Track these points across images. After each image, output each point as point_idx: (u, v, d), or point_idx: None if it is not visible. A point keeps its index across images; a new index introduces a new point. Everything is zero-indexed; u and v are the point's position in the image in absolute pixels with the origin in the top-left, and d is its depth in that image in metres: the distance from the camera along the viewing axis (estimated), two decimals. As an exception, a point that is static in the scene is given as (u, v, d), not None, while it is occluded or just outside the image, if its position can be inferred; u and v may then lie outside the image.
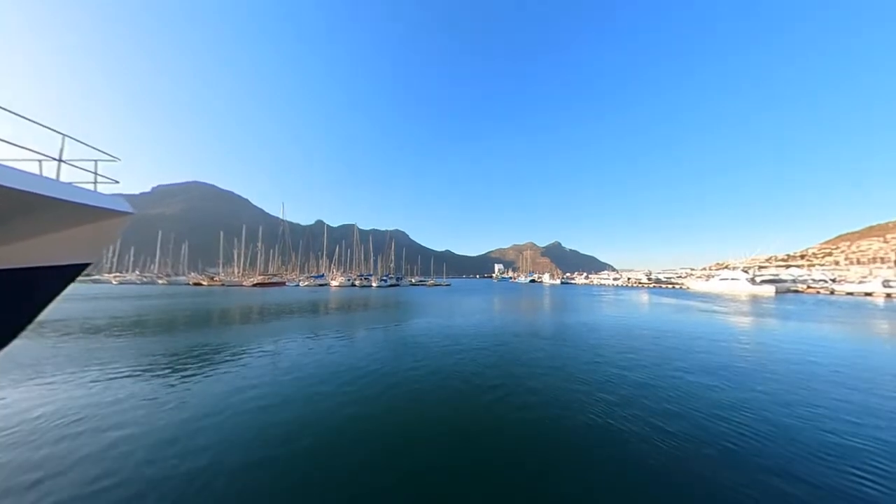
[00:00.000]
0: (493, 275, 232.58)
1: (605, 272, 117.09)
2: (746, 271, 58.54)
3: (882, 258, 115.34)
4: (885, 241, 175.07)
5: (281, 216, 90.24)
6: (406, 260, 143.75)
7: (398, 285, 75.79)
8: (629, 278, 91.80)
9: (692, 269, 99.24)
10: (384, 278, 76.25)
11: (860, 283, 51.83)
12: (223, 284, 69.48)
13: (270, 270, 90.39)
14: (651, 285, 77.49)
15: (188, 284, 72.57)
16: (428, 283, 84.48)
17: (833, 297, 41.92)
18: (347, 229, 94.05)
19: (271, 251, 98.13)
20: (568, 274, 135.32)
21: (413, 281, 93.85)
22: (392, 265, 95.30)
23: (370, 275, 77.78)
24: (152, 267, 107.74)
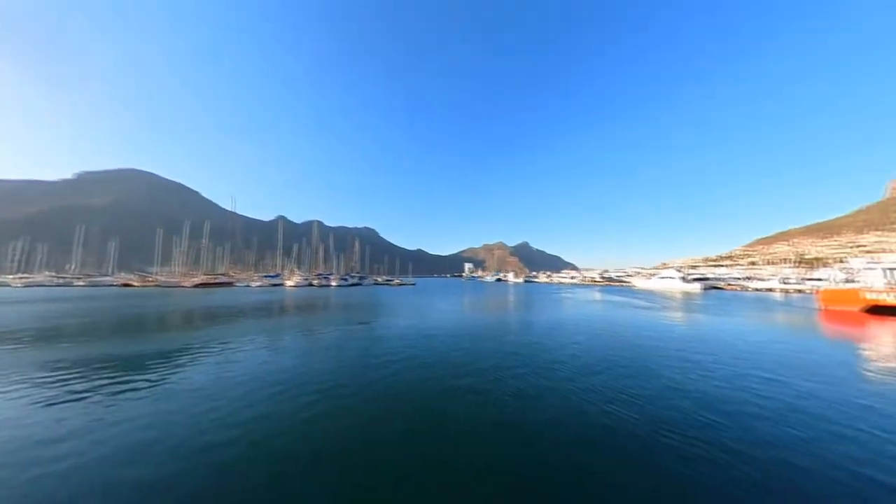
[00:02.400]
0: (463, 274, 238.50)
1: (565, 271, 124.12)
2: (680, 271, 65.58)
3: (786, 259, 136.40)
4: (790, 245, 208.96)
5: (232, 209, 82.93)
6: (373, 258, 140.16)
7: (360, 285, 73.35)
8: (585, 277, 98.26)
9: (640, 269, 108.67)
10: (345, 277, 73.26)
11: (766, 280, 60.51)
12: (158, 285, 61.95)
13: (221, 270, 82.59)
14: (603, 283, 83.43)
15: (114, 286, 63.65)
16: (393, 283, 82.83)
17: (745, 293, 48.42)
18: (312, 226, 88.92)
19: (220, 249, 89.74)
20: (533, 273, 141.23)
21: (379, 280, 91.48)
22: (355, 264, 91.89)
23: (329, 274, 74.26)
24: (69, 267, 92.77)
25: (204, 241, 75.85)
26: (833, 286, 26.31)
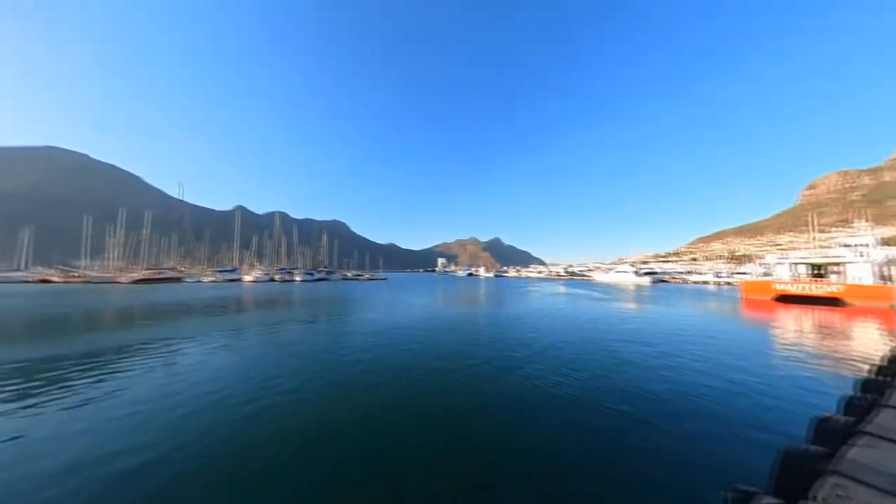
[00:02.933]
0: (436, 269, 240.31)
1: (533, 266, 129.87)
2: (633, 266, 71.63)
3: (721, 256, 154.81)
4: (724, 243, 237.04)
5: (179, 197, 74.95)
6: (343, 253, 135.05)
7: (327, 280, 70.50)
8: (551, 271, 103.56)
9: (600, 264, 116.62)
10: (310, 272, 69.91)
11: (703, 274, 68.10)
12: (88, 281, 54.42)
13: (169, 264, 74.41)
14: (567, 277, 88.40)
15: (29, 282, 54.74)
16: (363, 278, 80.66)
17: (686, 286, 54.13)
18: (274, 218, 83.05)
19: (165, 241, 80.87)
20: (504, 268, 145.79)
21: (349, 275, 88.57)
22: (322, 258, 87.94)
23: (293, 269, 70.33)
24: (-33, 259, 77.87)
25: (145, 231, 67.72)
26: (752, 279, 30.31)
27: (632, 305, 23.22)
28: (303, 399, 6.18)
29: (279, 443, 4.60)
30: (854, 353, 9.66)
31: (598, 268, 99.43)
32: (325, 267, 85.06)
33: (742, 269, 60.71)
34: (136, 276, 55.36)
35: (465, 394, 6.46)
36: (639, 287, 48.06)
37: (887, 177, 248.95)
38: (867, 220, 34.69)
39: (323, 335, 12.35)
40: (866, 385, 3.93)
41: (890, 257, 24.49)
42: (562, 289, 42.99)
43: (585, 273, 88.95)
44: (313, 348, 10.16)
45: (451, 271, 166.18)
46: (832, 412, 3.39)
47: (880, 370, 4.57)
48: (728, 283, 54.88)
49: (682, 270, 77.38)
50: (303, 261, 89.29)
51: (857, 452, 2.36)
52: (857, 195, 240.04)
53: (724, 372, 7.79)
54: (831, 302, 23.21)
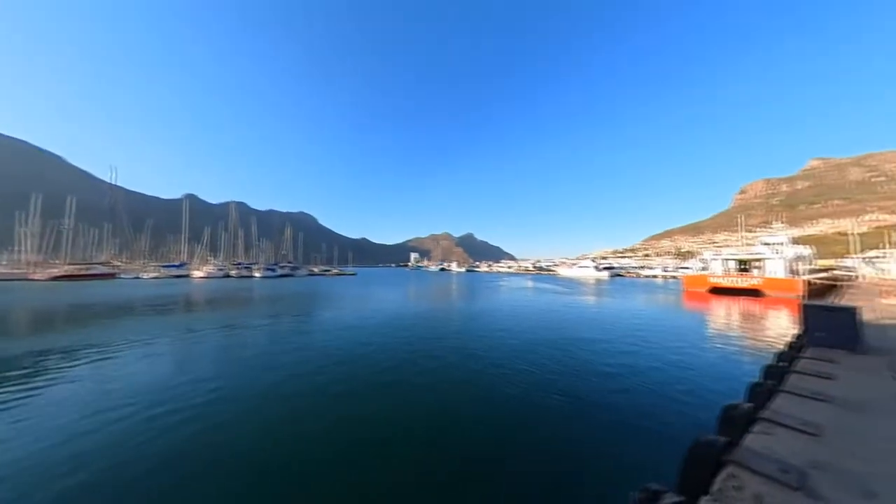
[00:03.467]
0: (409, 263, 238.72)
1: (504, 261, 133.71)
2: (594, 261, 76.54)
3: (669, 252, 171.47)
4: (672, 241, 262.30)
5: (111, 181, 65.75)
6: (310, 247, 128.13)
7: (292, 275, 66.60)
8: (520, 266, 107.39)
9: (565, 259, 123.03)
10: (272, 267, 65.47)
11: (654, 269, 74.75)
12: (-11, 278, 46.02)
13: (101, 258, 65.17)
14: (535, 272, 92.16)
15: None
16: (331, 273, 77.32)
17: (638, 279, 59.07)
18: (229, 208, 76.03)
19: (95, 231, 70.85)
20: (476, 263, 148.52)
21: (315, 270, 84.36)
22: (286, 252, 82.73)
23: (252, 264, 65.35)
24: None
25: (67, 220, 58.59)
26: (692, 273, 33.73)
27: (590, 299, 24.70)
28: (240, 409, 5.64)
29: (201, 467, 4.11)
30: (768, 339, 11.06)
31: (563, 263, 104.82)
32: (289, 262, 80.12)
33: (685, 265, 67.45)
34: (57, 272, 47.95)
35: (417, 388, 6.34)
36: (598, 281, 51.43)
37: (799, 185, 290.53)
38: (782, 223, 40.30)
39: (274, 335, 11.52)
40: (769, 371, 4.40)
41: (798, 254, 28.57)
42: (530, 283, 44.62)
43: (552, 268, 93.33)
44: (258, 350, 9.42)
45: (423, 266, 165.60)
46: (741, 399, 3.73)
47: (781, 356, 5.16)
48: (673, 277, 60.70)
49: (636, 265, 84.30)
50: (265, 255, 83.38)
51: (753, 440, 2.57)
52: (776, 200, 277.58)
53: (659, 362, 8.46)
54: (754, 293, 26.56)
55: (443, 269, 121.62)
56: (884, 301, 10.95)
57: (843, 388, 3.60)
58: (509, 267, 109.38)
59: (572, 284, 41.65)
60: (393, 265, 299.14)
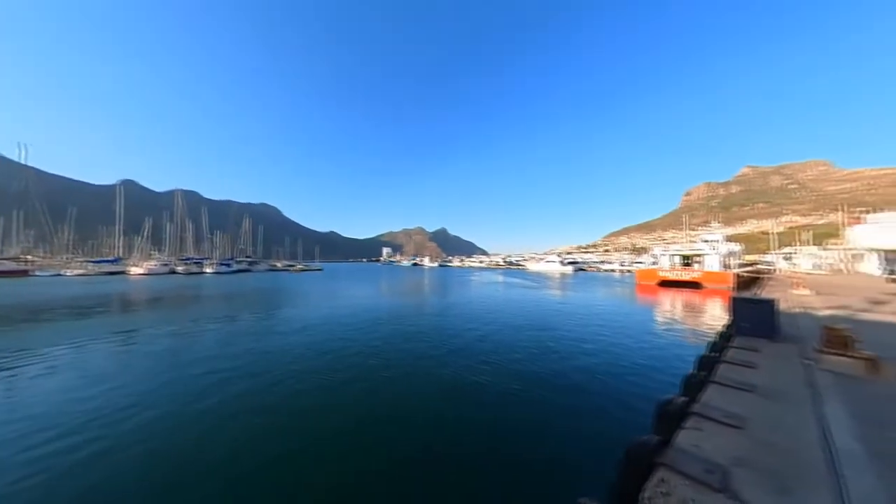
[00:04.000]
0: (381, 258, 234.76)
1: (476, 256, 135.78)
2: (560, 256, 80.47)
3: (626, 248, 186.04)
4: (628, 238, 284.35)
5: (20, 160, 55.77)
6: (274, 240, 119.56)
7: (250, 271, 61.84)
8: (492, 261, 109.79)
9: (534, 254, 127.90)
10: (227, 262, 60.21)
11: (612, 263, 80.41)
12: None
13: (10, 252, 55.14)
14: (505, 267, 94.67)
15: None
16: (295, 268, 72.98)
17: (599, 274, 63.13)
18: (175, 196, 67.87)
19: (1, 220, 59.82)
20: (449, 258, 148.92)
21: (278, 265, 79.16)
22: (244, 246, 76.47)
23: (203, 259, 59.47)
24: None
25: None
26: (644, 267, 36.62)
27: (554, 293, 25.75)
28: (168, 431, 4.85)
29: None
30: (706, 329, 12.14)
31: (532, 258, 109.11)
32: (247, 256, 74.23)
33: (639, 260, 73.35)
34: (-55, 268, 39.84)
35: (375, 385, 5.96)
36: (563, 275, 54.10)
37: (734, 189, 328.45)
38: (719, 222, 45.22)
39: (220, 338, 10.39)
40: (702, 362, 4.64)
41: (730, 251, 32.17)
42: (500, 278, 45.61)
43: (521, 262, 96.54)
44: (193, 356, 8.38)
45: (395, 261, 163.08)
46: (677, 392, 3.86)
47: (713, 346, 5.52)
48: (629, 271, 65.72)
49: (597, 261, 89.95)
50: (220, 250, 76.41)
51: (684, 438, 2.57)
52: (715, 202, 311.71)
53: (611, 355, 8.88)
54: (695, 285, 29.45)
55: (415, 264, 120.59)
56: (794, 292, 12.51)
57: (763, 377, 3.85)
58: (481, 262, 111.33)
59: (539, 279, 43.29)
60: (364, 260, 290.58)
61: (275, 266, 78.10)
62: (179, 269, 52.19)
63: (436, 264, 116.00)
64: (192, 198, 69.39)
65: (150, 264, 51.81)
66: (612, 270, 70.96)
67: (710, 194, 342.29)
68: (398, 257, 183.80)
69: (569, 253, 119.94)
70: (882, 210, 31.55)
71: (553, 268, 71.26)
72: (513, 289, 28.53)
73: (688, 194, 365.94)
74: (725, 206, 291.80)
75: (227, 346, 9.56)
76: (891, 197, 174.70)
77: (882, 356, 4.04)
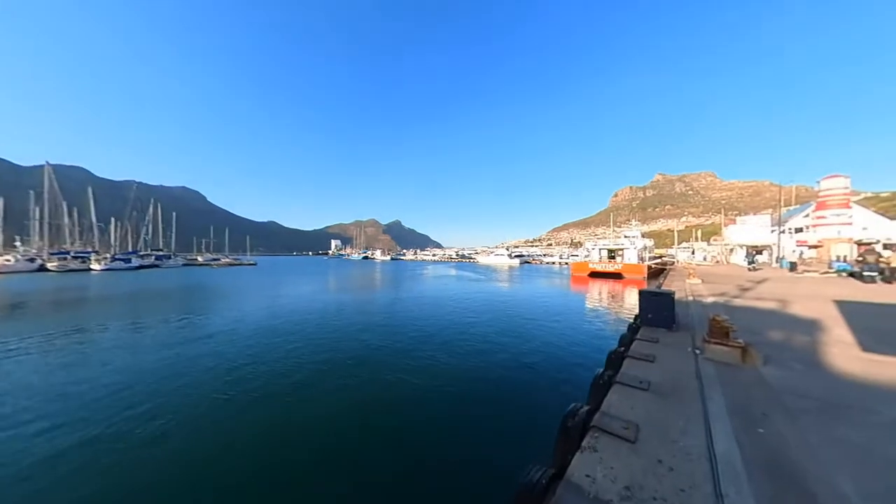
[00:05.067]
0: (330, 251, 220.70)
1: (429, 249, 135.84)
2: (508, 249, 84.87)
3: (566, 242, 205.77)
4: (568, 233, 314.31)
5: None
6: (192, 230, 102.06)
7: (158, 266, 52.00)
8: (445, 254, 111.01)
9: (486, 247, 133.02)
10: (126, 256, 49.51)
11: (553, 256, 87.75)
12: None
13: None
14: (458, 260, 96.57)
15: None
16: (218, 263, 63.46)
17: (542, 266, 68.33)
18: (44, 172, 52.42)
19: None
20: (402, 251, 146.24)
21: (199, 259, 68.12)
22: (149, 237, 63.69)
23: (88, 252, 47.71)
24: None
25: None
26: (578, 260, 40.36)
27: (501, 285, 26.95)
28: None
29: None
30: (626, 314, 13.50)
31: (483, 251, 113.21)
32: (155, 249, 62.10)
33: (575, 253, 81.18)
34: None
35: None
36: (511, 268, 57.11)
37: (649, 193, 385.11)
38: (637, 221, 52.15)
39: (100, 353, 8.05)
40: (610, 359, 4.74)
41: (645, 245, 37.21)
42: (452, 271, 46.08)
43: (472, 256, 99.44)
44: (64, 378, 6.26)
45: (345, 254, 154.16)
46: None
47: (622, 340, 5.80)
48: (566, 263, 72.37)
49: (541, 254, 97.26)
50: (118, 242, 62.52)
51: (577, 462, 2.29)
52: (635, 203, 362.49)
53: (549, 339, 9.55)
54: (617, 276, 33.43)
55: (366, 258, 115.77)
56: (689, 280, 14.67)
57: (660, 372, 3.95)
58: (434, 255, 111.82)
59: (488, 271, 44.87)
60: (309, 253, 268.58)
61: (194, 260, 67.12)
62: (51, 265, 41.11)
63: (388, 258, 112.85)
64: (75, 174, 54.97)
65: (6, 259, 39.87)
66: (553, 263, 77.39)
67: (632, 196, 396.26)
68: (348, 250, 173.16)
69: (516, 247, 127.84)
70: (747, 214, 41.14)
71: (501, 261, 74.78)
72: (462, 281, 29.01)
73: (615, 195, 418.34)
74: (643, 206, 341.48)
75: (106, 363, 7.43)
76: (754, 203, 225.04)
77: (750, 342, 4.51)
